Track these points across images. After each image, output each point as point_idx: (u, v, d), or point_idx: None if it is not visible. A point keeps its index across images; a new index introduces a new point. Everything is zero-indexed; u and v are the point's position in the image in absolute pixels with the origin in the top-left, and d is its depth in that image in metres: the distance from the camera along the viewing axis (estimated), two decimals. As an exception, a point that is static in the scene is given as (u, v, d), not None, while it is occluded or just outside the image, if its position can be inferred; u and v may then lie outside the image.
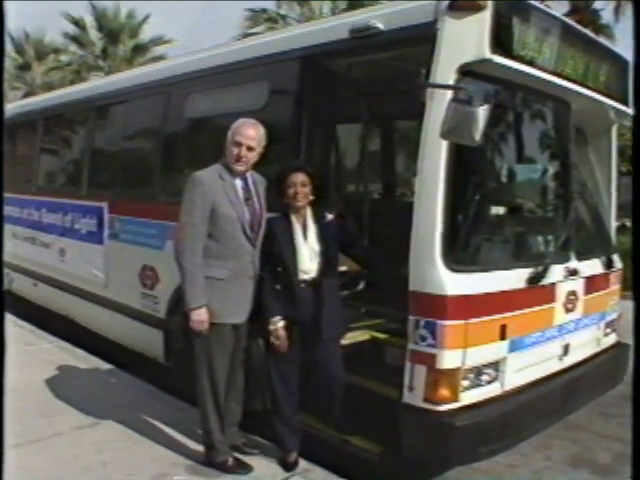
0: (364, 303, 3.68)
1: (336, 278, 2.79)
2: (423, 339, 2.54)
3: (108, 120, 5.02)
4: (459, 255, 2.65)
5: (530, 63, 2.64)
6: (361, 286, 3.68)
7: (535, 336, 2.88)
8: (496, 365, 2.73)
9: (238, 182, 2.72)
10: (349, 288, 3.44)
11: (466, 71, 2.47)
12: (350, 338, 3.09)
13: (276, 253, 2.69)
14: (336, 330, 2.75)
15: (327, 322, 2.66)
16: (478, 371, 2.65)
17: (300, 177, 2.67)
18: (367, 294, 3.68)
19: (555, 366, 3.05)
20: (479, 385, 2.67)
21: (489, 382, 2.71)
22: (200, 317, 2.62)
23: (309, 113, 3.06)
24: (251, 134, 2.68)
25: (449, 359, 2.52)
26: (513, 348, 2.75)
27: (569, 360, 3.12)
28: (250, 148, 2.68)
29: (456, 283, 2.53)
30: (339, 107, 3.57)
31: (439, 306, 2.52)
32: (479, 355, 2.61)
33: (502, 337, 2.68)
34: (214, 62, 3.75)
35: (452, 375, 2.54)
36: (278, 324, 2.65)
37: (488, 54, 2.44)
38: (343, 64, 3.26)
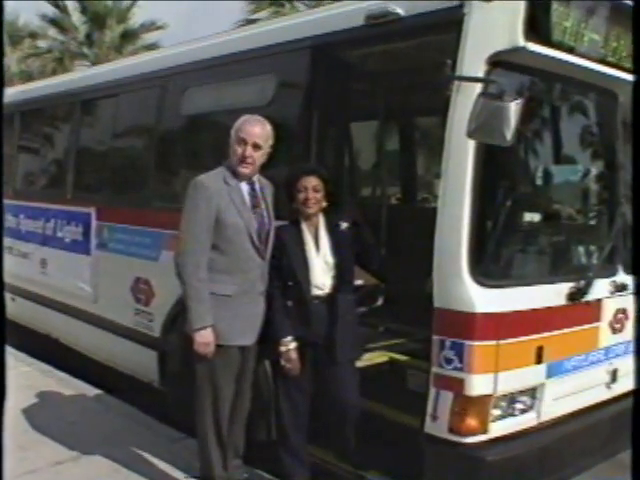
0: (382, 321, 3.71)
1: (351, 293, 2.83)
2: (449, 362, 2.56)
3: (96, 116, 5.10)
4: (489, 268, 2.66)
5: (571, 50, 2.62)
6: (379, 302, 3.71)
7: (577, 360, 2.88)
8: (532, 392, 2.73)
9: (244, 187, 2.76)
10: (366, 304, 3.47)
11: (497, 61, 2.49)
12: (367, 360, 3.12)
13: (286, 266, 2.73)
14: (351, 351, 2.78)
15: (341, 342, 2.70)
16: (511, 399, 2.66)
17: (312, 181, 2.71)
18: (386, 311, 3.71)
19: (601, 395, 3.03)
20: (512, 415, 2.68)
21: (524, 411, 2.71)
22: (206, 339, 2.64)
23: (320, 109, 3.10)
24: (257, 131, 2.71)
25: (478, 385, 2.53)
26: (551, 373, 2.76)
27: (618, 388, 3.09)
28: (256, 146, 2.71)
29: (486, 299, 2.55)
30: (354, 103, 3.62)
31: (467, 325, 2.54)
32: (512, 380, 2.62)
33: (538, 360, 2.69)
34: (214, 52, 3.82)
35: (482, 403, 2.56)
36: (290, 345, 2.69)
37: (522, 41, 2.43)
38: (358, 55, 3.29)
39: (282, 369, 2.71)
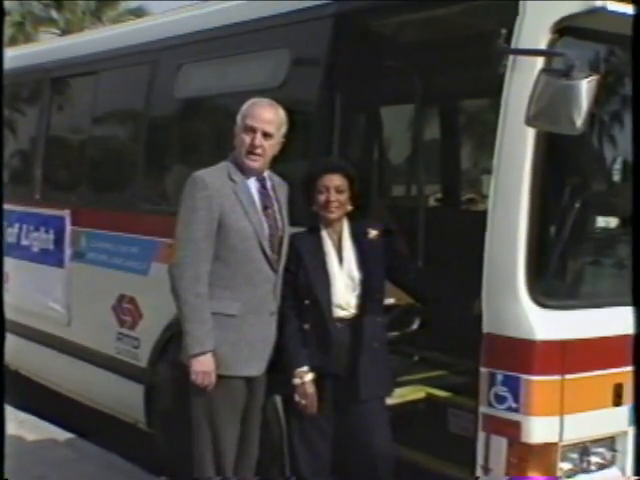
0: (418, 348, 3.72)
1: (381, 315, 2.85)
2: (501, 400, 2.57)
3: (70, 98, 5.21)
4: (552, 285, 2.68)
5: None
6: (415, 325, 3.74)
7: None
8: (611, 442, 2.71)
9: (253, 184, 2.81)
10: (399, 328, 3.49)
11: (564, 28, 2.48)
12: (399, 396, 3.14)
13: (302, 281, 2.76)
14: (379, 385, 2.80)
15: (367, 374, 2.72)
16: (584, 449, 2.65)
17: (335, 180, 2.74)
18: (422, 336, 3.73)
19: None
20: (588, 470, 2.66)
21: (603, 467, 2.70)
22: (205, 367, 2.67)
23: (344, 92, 3.13)
24: (267, 116, 2.75)
25: (540, 430, 2.53)
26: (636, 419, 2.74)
27: None
28: (267, 135, 2.74)
29: (547, 323, 2.56)
30: (385, 83, 3.66)
31: (524, 355, 2.55)
32: (583, 426, 2.61)
33: (617, 402, 2.67)
34: (215, 21, 3.88)
35: (545, 453, 2.55)
36: (306, 377, 2.70)
37: (600, 1, 2.40)
38: (391, 24, 3.34)
39: (296, 406, 2.73)
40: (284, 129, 2.82)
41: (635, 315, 2.38)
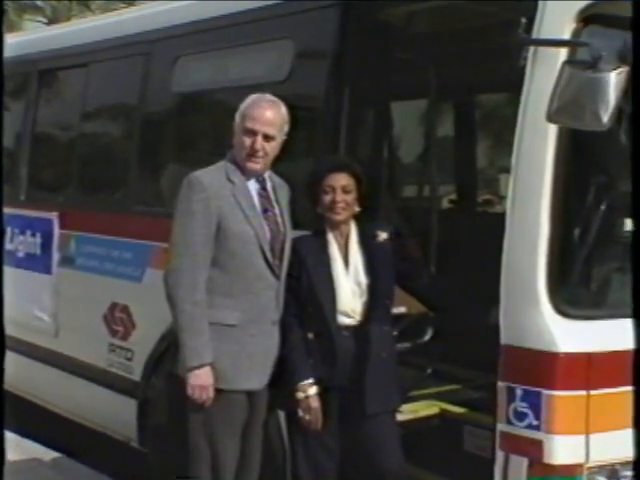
0: (431, 360, 3.72)
1: (390, 324, 2.86)
2: (521, 417, 2.56)
3: (59, 92, 5.22)
4: (575, 292, 2.68)
5: None
6: (427, 336, 3.73)
7: None
8: None
9: (253, 186, 2.82)
10: (410, 338, 3.49)
11: (591, 16, 2.47)
12: (410, 411, 3.15)
13: (305, 287, 2.77)
14: (387, 399, 2.80)
15: (374, 387, 2.72)
16: (612, 472, 2.62)
17: (342, 179, 2.75)
18: (436, 347, 3.73)
19: None
20: None
21: None
22: (202, 381, 2.67)
23: (353, 86, 3.14)
24: (269, 117, 2.75)
25: (564, 450, 2.52)
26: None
27: None
28: (268, 137, 2.75)
29: (571, 334, 2.56)
30: (396, 76, 3.66)
31: (545, 368, 2.55)
32: (611, 446, 2.58)
33: None
34: (214, 10, 3.89)
35: (570, 475, 2.54)
36: (309, 391, 2.71)
37: None
38: (402, 13, 3.35)
39: (300, 421, 2.74)
40: (287, 128, 2.83)
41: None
